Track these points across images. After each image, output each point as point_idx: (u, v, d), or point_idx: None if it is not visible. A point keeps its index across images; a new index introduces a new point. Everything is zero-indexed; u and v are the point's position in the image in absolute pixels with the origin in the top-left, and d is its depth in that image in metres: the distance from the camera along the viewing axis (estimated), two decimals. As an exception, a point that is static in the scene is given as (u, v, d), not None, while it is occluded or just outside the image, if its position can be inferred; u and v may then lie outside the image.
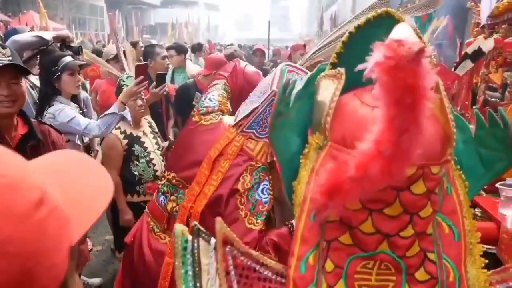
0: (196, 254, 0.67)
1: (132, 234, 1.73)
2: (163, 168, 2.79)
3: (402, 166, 0.56)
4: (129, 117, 2.45)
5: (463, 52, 3.76)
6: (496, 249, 1.72)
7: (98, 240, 3.71)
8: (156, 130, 2.93)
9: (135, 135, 2.70)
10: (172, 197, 1.65)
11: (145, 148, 2.71)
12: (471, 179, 0.72)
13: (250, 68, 1.93)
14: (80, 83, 2.57)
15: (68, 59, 2.45)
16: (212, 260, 0.67)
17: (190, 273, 0.67)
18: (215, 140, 1.54)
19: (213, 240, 0.69)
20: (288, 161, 0.76)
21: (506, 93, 3.12)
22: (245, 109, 1.52)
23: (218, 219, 0.67)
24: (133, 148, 2.68)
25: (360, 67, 0.55)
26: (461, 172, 0.71)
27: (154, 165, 2.73)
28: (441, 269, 0.68)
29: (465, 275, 0.69)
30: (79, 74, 2.54)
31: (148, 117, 2.94)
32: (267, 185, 1.42)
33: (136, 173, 2.68)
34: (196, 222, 0.69)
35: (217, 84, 1.79)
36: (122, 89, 2.61)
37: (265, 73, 4.06)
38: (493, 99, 3.45)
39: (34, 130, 1.71)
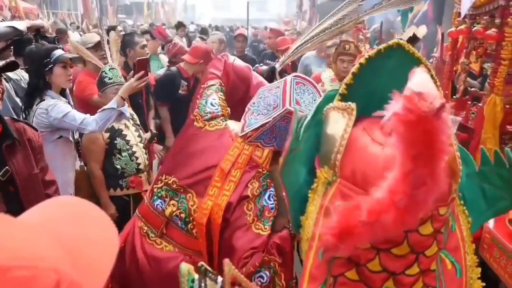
0: (203, 294, 0.66)
1: (123, 239, 1.68)
2: (146, 161, 2.74)
3: (416, 216, 0.56)
4: (127, 113, 2.39)
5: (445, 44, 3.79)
6: (479, 248, 1.78)
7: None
8: (138, 122, 2.86)
9: (116, 128, 2.63)
10: (172, 202, 1.60)
11: (127, 141, 2.65)
12: (473, 213, 0.73)
13: (239, 63, 1.91)
14: (71, 77, 2.48)
15: (60, 51, 2.35)
16: (220, 299, 0.67)
17: (197, 313, 0.66)
18: (222, 146, 1.55)
19: (219, 279, 0.68)
20: (296, 193, 0.75)
21: (486, 84, 3.18)
22: (252, 121, 1.50)
23: (226, 261, 0.66)
24: (115, 142, 2.61)
25: (377, 114, 0.55)
26: (464, 208, 0.72)
27: (136, 158, 2.67)
28: (443, 304, 0.69)
29: (465, 309, 0.71)
30: (71, 67, 2.45)
31: (130, 109, 2.87)
32: (273, 191, 1.46)
33: (118, 166, 2.63)
34: (203, 263, 0.68)
35: (213, 85, 1.75)
36: (104, 81, 2.53)
37: (248, 61, 3.97)
38: (472, 89, 3.51)
39: (8, 129, 1.64)
